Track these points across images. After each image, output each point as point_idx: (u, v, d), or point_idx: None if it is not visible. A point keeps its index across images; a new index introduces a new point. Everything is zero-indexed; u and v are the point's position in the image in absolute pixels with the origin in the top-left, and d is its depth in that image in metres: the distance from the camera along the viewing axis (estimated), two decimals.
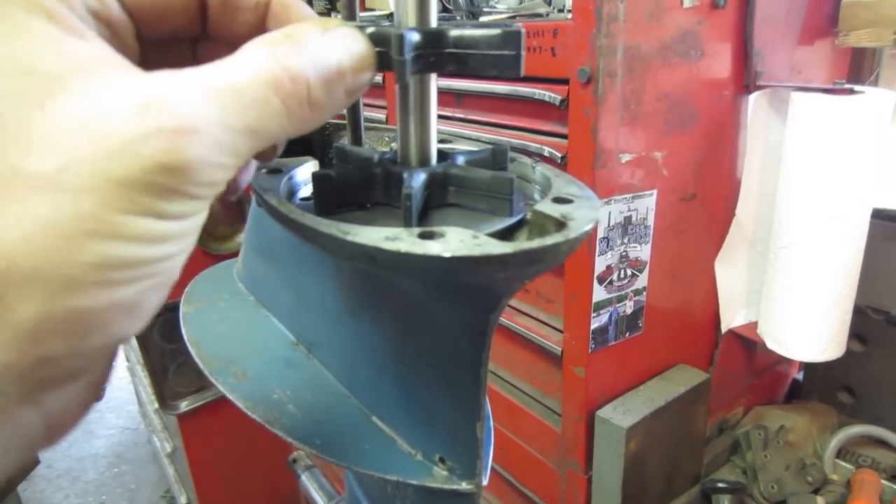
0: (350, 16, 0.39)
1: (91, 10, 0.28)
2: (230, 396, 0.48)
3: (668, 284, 1.20)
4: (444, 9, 1.45)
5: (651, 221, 1.11)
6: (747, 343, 1.38)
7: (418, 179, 0.32)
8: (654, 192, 1.10)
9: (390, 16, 1.49)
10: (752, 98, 1.18)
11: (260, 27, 0.33)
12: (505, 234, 0.32)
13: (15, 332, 0.21)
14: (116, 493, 3.13)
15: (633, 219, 1.08)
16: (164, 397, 2.31)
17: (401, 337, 0.39)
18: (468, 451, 0.37)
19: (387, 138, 0.47)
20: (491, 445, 0.40)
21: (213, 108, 0.24)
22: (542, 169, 0.38)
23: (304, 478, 0.97)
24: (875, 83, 1.42)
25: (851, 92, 1.10)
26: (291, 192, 0.39)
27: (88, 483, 3.18)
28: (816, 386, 1.49)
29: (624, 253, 1.09)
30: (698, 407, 1.24)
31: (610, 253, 1.07)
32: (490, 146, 0.38)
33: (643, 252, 1.12)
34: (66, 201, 0.21)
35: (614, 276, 1.09)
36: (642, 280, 1.15)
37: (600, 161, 1.01)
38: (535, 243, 0.27)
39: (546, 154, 1.08)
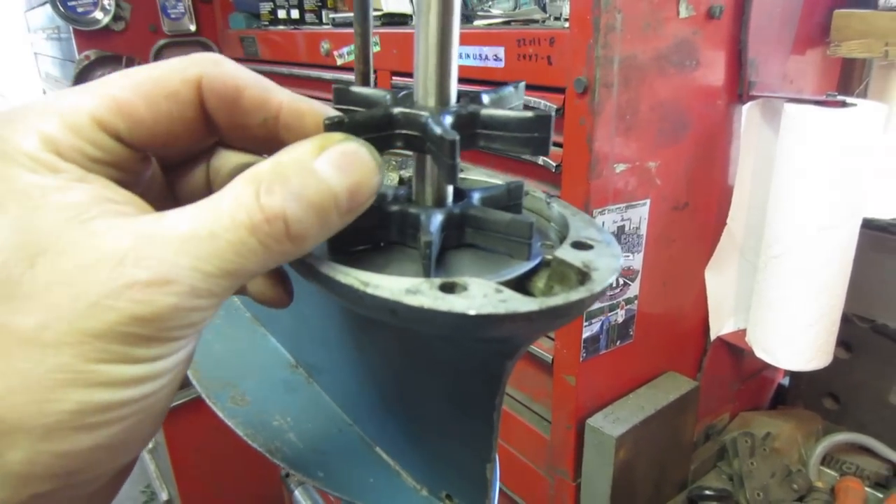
0: (363, 63, 0.38)
1: (87, 155, 0.28)
2: (229, 423, 0.47)
3: (659, 293, 1.20)
4: None
5: (644, 231, 1.11)
6: (735, 350, 1.39)
7: (435, 223, 0.32)
8: (648, 201, 1.10)
9: (388, 15, 1.47)
10: (746, 108, 1.18)
11: (275, 139, 0.33)
12: (523, 280, 0.32)
13: (7, 476, 0.23)
14: None
15: (627, 228, 1.08)
16: None
17: (408, 374, 0.39)
18: (477, 490, 0.37)
19: (393, 162, 0.46)
20: (497, 482, 0.40)
21: (187, 256, 0.25)
22: (558, 206, 0.37)
23: (298, 493, 0.96)
24: (864, 94, 1.43)
25: (843, 104, 1.10)
26: None
27: None
28: (802, 392, 1.51)
29: None
30: (687, 414, 1.25)
31: None
32: (505, 183, 0.37)
33: (635, 261, 1.12)
34: (46, 355, 0.23)
35: None
36: (634, 289, 1.15)
37: (595, 171, 1.01)
38: (561, 299, 0.27)
39: (541, 163, 1.08)
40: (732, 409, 1.49)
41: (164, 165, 0.35)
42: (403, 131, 0.32)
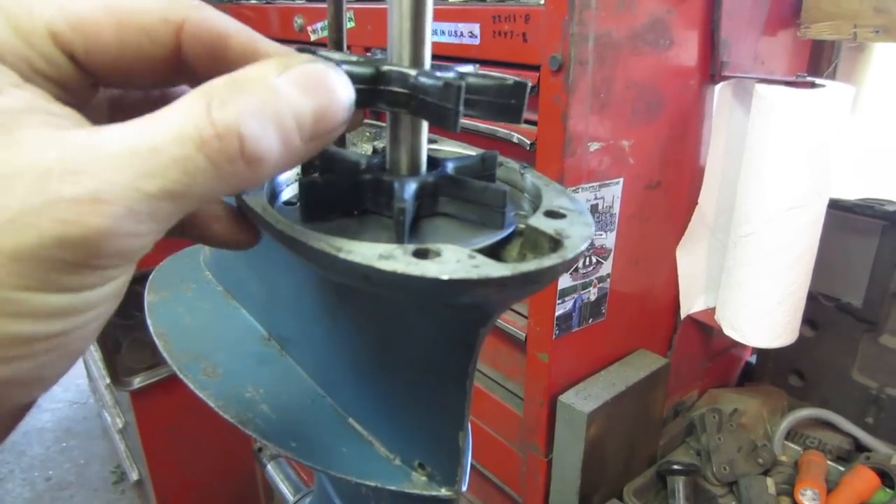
0: (336, 31, 0.38)
1: (32, 65, 0.26)
2: (200, 395, 0.47)
3: (630, 271, 1.22)
4: None
5: (617, 209, 1.12)
6: (704, 328, 1.41)
7: (409, 191, 0.31)
8: (621, 180, 1.11)
9: None
10: (718, 88, 1.19)
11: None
12: (497, 248, 0.32)
13: None
14: (64, 467, 3.07)
15: (600, 207, 1.09)
16: (117, 373, 2.26)
17: (382, 342, 0.39)
18: (450, 458, 0.37)
19: (367, 133, 0.45)
20: (469, 450, 0.40)
21: (124, 173, 0.22)
22: (532, 177, 0.37)
23: (270, 468, 0.96)
24: (833, 75, 1.45)
25: (813, 85, 1.12)
26: (273, 194, 0.37)
27: (34, 458, 3.11)
28: (768, 369, 1.54)
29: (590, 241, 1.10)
30: (657, 391, 1.27)
31: None
32: (479, 153, 0.37)
33: (608, 240, 1.13)
34: None
35: (579, 264, 1.10)
36: (606, 267, 1.16)
37: (569, 149, 1.01)
38: (534, 265, 0.27)
39: (515, 140, 1.08)
40: (701, 386, 1.51)
41: (111, 101, 0.33)
42: (391, 88, 0.31)
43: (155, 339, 0.54)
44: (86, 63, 0.27)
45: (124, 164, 0.22)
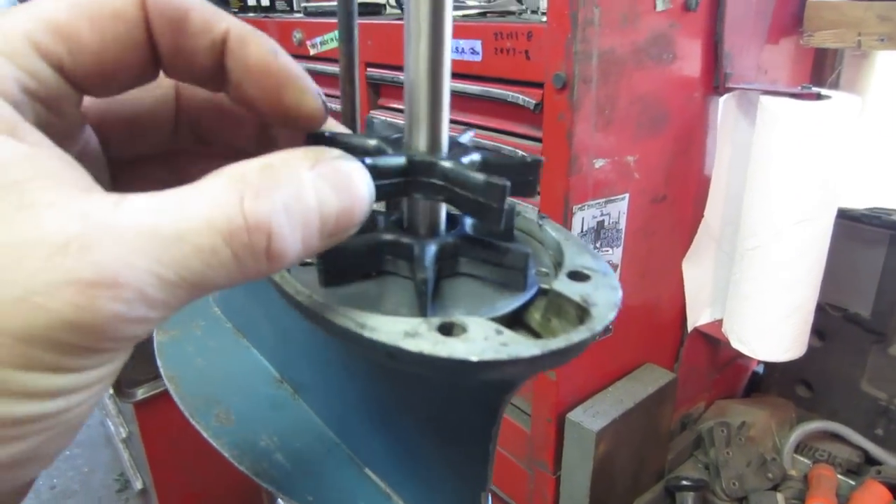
0: (348, 79, 0.37)
1: (24, 87, 0.24)
2: (215, 444, 0.46)
3: (637, 286, 1.21)
4: None
5: (623, 225, 1.11)
6: (711, 340, 1.40)
7: (430, 255, 0.31)
8: (627, 195, 1.10)
9: (361, 5, 1.44)
10: (722, 101, 1.19)
11: (219, 69, 0.29)
12: (520, 311, 0.31)
13: None
14: (68, 476, 3.05)
15: (606, 223, 1.08)
16: (120, 384, 2.25)
17: (401, 399, 0.38)
18: None
19: None
20: None
21: (145, 257, 0.20)
22: (550, 229, 0.37)
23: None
24: (836, 83, 1.44)
25: (818, 96, 1.11)
26: None
27: None
28: (775, 380, 1.53)
29: None
30: (665, 406, 1.26)
31: None
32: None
33: (614, 255, 1.13)
34: None
35: None
36: None
37: (575, 166, 1.00)
38: (563, 342, 0.26)
39: None
40: (708, 397, 1.50)
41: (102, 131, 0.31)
42: (422, 178, 0.30)
43: (166, 382, 0.53)
44: (73, 70, 0.25)
45: (146, 247, 0.20)
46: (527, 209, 0.39)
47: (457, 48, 1.12)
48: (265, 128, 0.34)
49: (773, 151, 1.11)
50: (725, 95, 1.19)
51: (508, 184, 0.28)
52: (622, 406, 1.16)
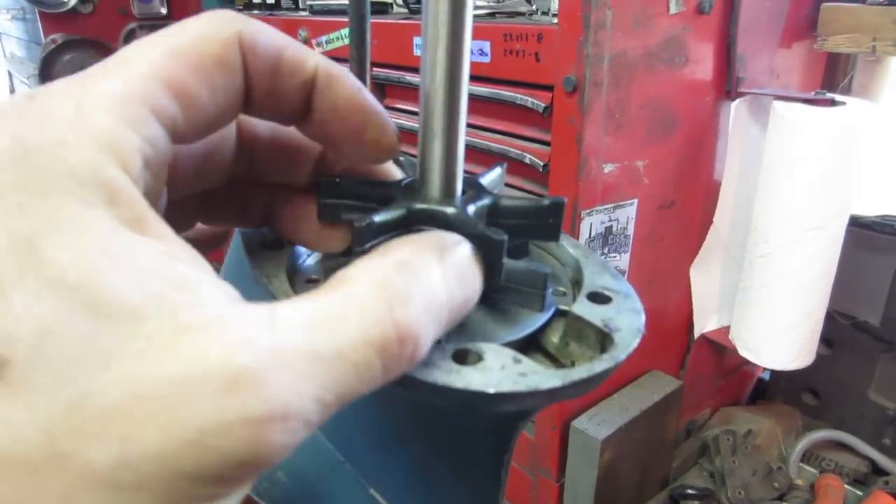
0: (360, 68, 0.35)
1: (145, 159, 0.21)
2: None
3: (644, 292, 1.19)
4: (417, 0, 1.40)
5: (631, 231, 1.10)
6: (718, 347, 1.39)
7: None
8: (635, 200, 1.09)
9: None
10: (734, 105, 1.17)
11: (305, 108, 0.28)
12: (537, 333, 0.29)
13: None
14: None
15: (614, 229, 1.06)
16: None
17: (409, 421, 0.36)
18: None
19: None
20: None
21: (310, 382, 0.19)
22: (568, 245, 0.35)
23: None
24: (848, 88, 1.42)
25: (833, 103, 1.09)
26: (294, 267, 0.35)
27: None
28: (782, 387, 1.51)
29: None
30: (670, 414, 1.24)
31: None
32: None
33: (622, 261, 1.11)
34: (120, 500, 0.17)
35: None
36: None
37: (584, 171, 0.98)
38: (585, 372, 0.25)
39: (527, 162, 1.05)
40: (713, 404, 1.49)
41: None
42: (424, 228, 0.29)
43: None
44: (186, 131, 0.23)
45: (311, 371, 0.19)
46: None
47: None
48: (321, 162, 0.33)
49: (786, 158, 1.09)
50: (737, 100, 1.17)
51: (505, 238, 0.27)
52: (628, 414, 1.14)
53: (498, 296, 0.31)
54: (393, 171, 0.33)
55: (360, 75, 0.43)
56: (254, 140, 0.31)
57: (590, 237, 1.03)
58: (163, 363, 0.17)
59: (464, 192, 0.30)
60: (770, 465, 1.28)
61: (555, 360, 0.30)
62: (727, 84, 1.16)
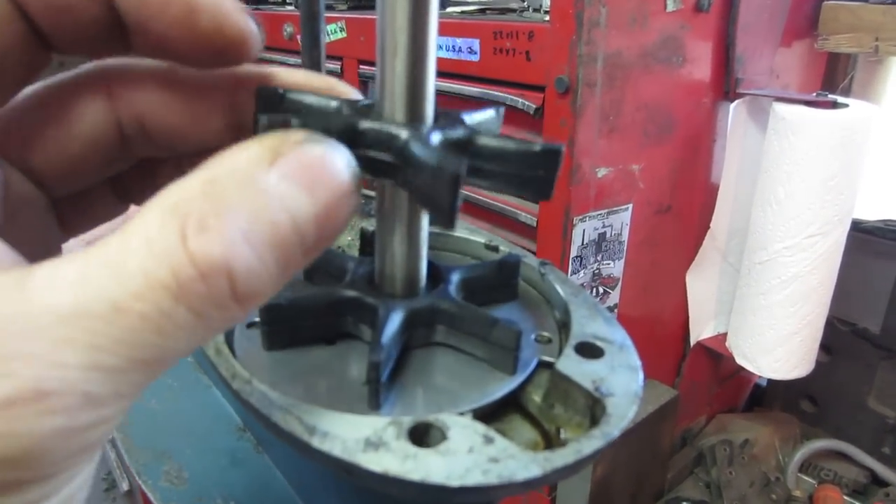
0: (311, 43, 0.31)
1: None
2: None
3: (639, 299, 1.15)
4: None
5: (625, 237, 1.06)
6: (714, 354, 1.35)
7: (394, 324, 0.25)
8: (630, 205, 1.04)
9: None
10: (733, 107, 1.13)
11: (190, 26, 0.22)
12: (516, 391, 0.25)
13: None
14: None
15: (608, 235, 1.02)
16: None
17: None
18: None
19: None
20: None
21: (76, 348, 0.15)
22: (556, 281, 0.31)
23: None
24: (848, 89, 1.38)
25: (834, 104, 1.05)
26: None
27: None
28: (779, 394, 1.48)
29: (597, 271, 1.03)
30: (665, 424, 1.21)
31: (582, 272, 1.01)
32: (497, 259, 0.30)
33: (616, 268, 1.07)
34: None
35: None
36: (614, 297, 1.09)
37: (576, 176, 0.94)
38: (571, 456, 0.21)
39: None
40: (709, 411, 1.45)
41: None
42: (371, 153, 0.22)
43: (114, 432, 0.47)
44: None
45: (72, 333, 0.15)
46: (527, 256, 0.33)
47: (453, 46, 1.06)
48: (234, 110, 0.26)
49: (786, 162, 1.05)
50: (736, 101, 1.13)
51: (460, 170, 0.20)
52: None
53: (464, 347, 0.27)
54: (354, 92, 0.27)
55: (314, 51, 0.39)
56: (134, 115, 0.26)
57: (582, 244, 0.99)
58: None
59: (436, 119, 0.25)
60: (767, 475, 1.25)
61: (536, 424, 0.26)
62: (726, 85, 1.12)
